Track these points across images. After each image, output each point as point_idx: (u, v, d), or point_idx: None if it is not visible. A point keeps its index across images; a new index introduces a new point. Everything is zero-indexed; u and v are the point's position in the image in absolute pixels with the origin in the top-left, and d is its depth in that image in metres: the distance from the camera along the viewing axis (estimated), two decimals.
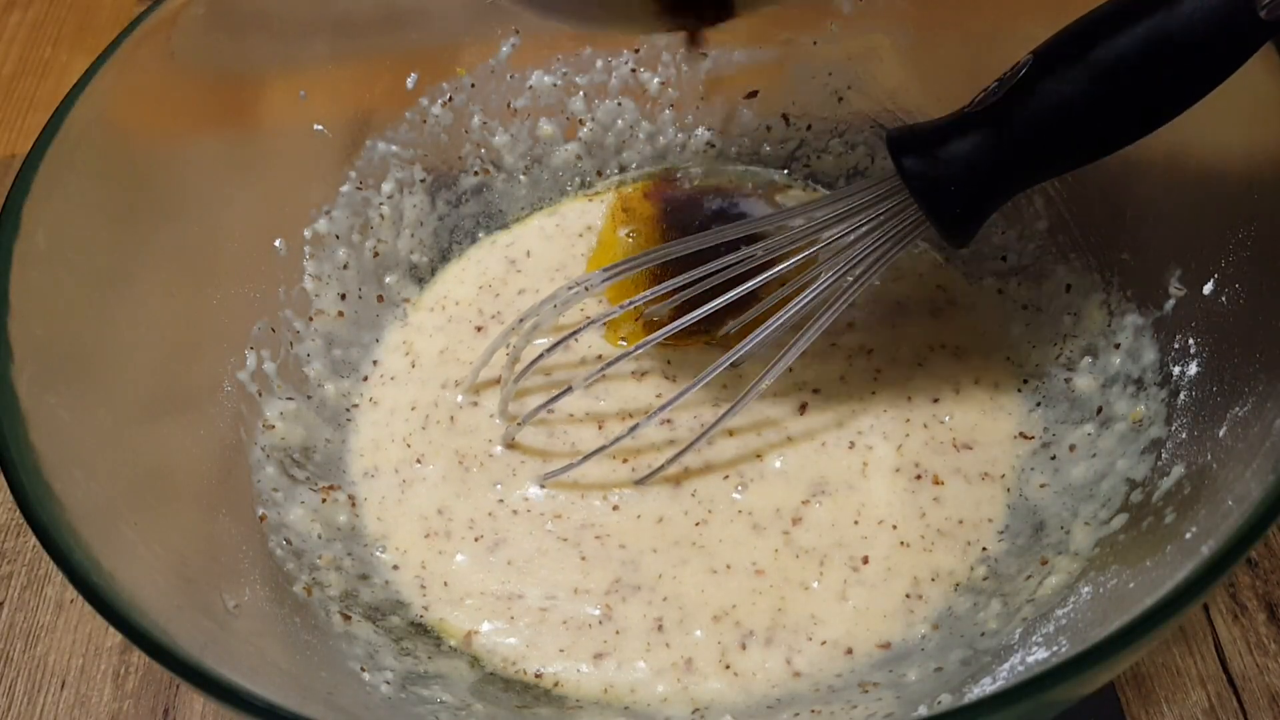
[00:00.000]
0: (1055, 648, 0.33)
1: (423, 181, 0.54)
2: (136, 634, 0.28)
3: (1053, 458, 0.43)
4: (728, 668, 0.40)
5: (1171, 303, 0.40)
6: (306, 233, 0.50)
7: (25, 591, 0.47)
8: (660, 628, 0.41)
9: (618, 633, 0.41)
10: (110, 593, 0.29)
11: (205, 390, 0.44)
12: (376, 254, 0.52)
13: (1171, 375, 0.39)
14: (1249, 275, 0.36)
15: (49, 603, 0.46)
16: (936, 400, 0.46)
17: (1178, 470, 0.36)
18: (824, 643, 0.40)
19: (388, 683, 0.37)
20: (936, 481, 0.44)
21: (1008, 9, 0.49)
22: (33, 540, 0.47)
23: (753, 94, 0.56)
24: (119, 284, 0.40)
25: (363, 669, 0.37)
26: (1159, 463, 0.37)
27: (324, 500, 0.44)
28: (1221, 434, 0.34)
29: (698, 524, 0.43)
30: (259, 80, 0.49)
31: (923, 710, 0.34)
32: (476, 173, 0.55)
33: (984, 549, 0.42)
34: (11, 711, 0.43)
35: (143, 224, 0.42)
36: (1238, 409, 0.34)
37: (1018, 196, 0.47)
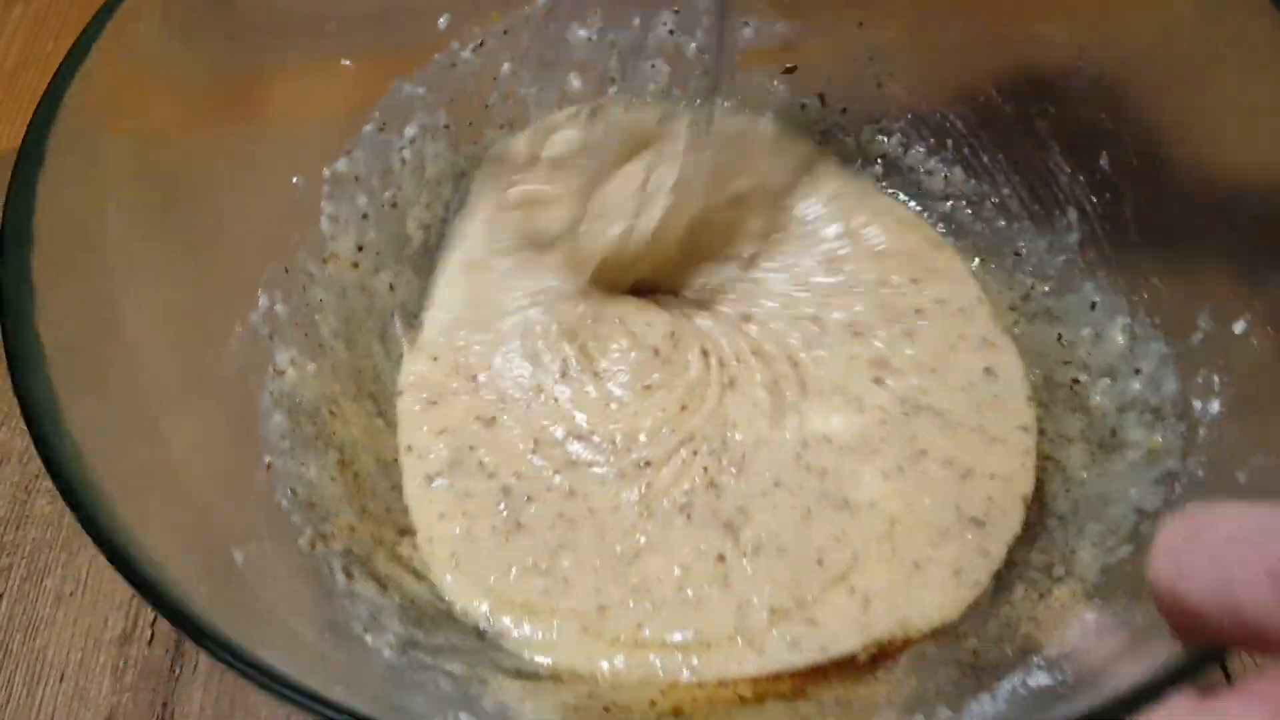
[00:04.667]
0: (1058, 675, 0.33)
1: (446, 128, 0.53)
2: (153, 591, 0.28)
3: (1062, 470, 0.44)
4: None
5: (1199, 336, 0.40)
6: (326, 171, 0.49)
7: (25, 584, 0.46)
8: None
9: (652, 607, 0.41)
10: (125, 544, 0.29)
11: (217, 331, 0.43)
12: (395, 204, 0.51)
13: (1192, 409, 0.39)
14: None
15: (49, 595, 0.46)
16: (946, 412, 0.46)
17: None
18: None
19: (390, 646, 0.37)
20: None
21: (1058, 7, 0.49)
22: (31, 533, 0.48)
23: (791, 69, 0.55)
24: (134, 216, 0.39)
25: (366, 630, 0.37)
26: (1172, 496, 0.37)
27: (340, 462, 0.44)
28: (1242, 480, 0.34)
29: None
30: (287, 9, 0.48)
31: (920, 718, 0.34)
32: (501, 126, 0.54)
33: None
34: (10, 704, 0.43)
35: (158, 163, 0.41)
36: (1260, 457, 0.34)
37: (1049, 206, 0.48)
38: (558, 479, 0.45)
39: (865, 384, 0.47)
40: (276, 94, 0.47)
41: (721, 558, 0.43)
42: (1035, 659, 0.35)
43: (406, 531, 0.44)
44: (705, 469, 0.45)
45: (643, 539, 0.43)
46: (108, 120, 0.38)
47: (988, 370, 0.47)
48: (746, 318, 0.51)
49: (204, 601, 0.29)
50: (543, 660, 0.40)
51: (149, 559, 0.29)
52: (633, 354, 0.49)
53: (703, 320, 0.51)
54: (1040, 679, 0.33)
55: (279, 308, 0.46)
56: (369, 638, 0.37)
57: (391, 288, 0.51)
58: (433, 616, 0.41)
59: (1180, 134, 0.42)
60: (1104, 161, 0.45)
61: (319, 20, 0.48)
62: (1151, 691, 0.25)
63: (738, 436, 0.46)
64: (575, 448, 0.47)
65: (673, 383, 0.48)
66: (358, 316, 0.49)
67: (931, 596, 0.41)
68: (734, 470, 0.45)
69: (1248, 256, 0.39)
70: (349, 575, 0.40)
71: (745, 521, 0.44)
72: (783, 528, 0.43)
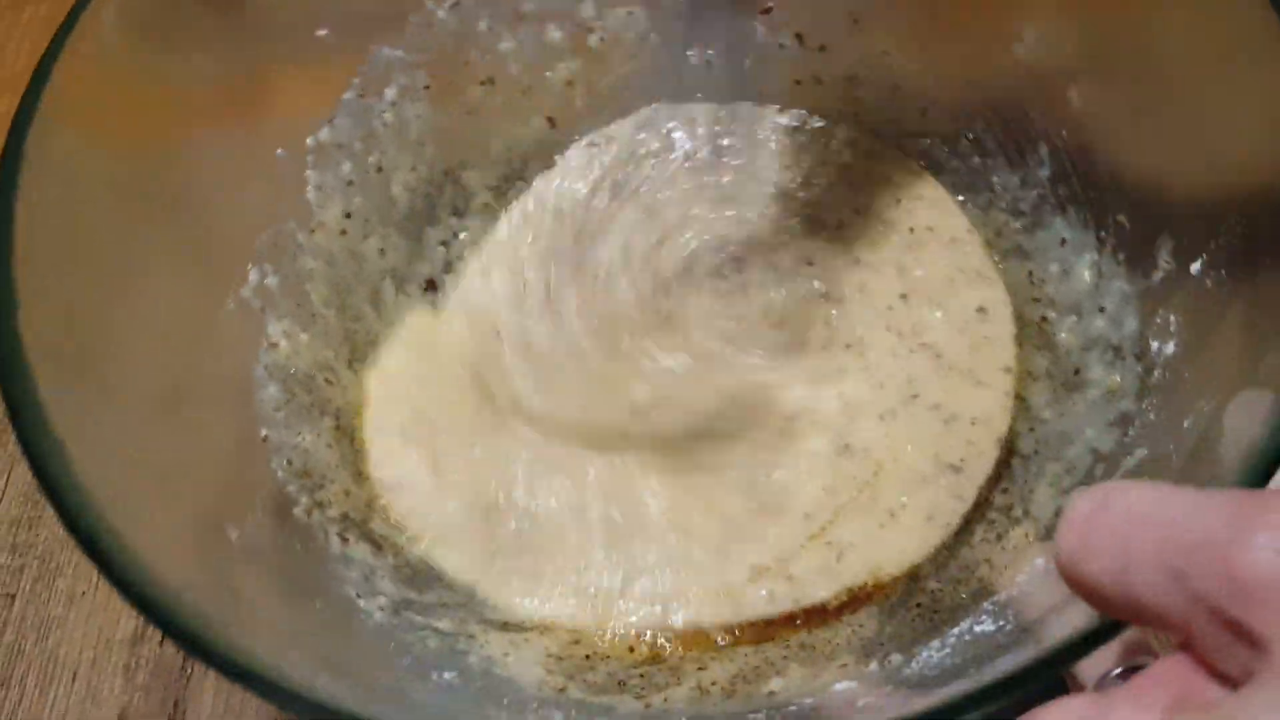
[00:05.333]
0: (1001, 621, 0.35)
1: (427, 88, 0.54)
2: (139, 597, 0.30)
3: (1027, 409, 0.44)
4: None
5: (1159, 275, 0.40)
6: (309, 141, 0.50)
7: (37, 584, 0.48)
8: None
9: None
10: (116, 553, 0.30)
11: (208, 311, 0.45)
12: (380, 168, 0.52)
13: (1149, 349, 0.40)
14: (1236, 263, 0.37)
15: (61, 595, 0.47)
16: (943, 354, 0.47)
17: (1141, 453, 0.37)
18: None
19: (381, 609, 0.40)
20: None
21: None
22: (44, 533, 0.49)
23: (767, 10, 0.54)
24: (124, 203, 0.41)
25: (358, 595, 0.40)
26: (1125, 439, 0.38)
27: (335, 428, 0.46)
28: (1186, 425, 0.35)
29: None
30: None
31: (874, 667, 0.36)
32: (481, 82, 0.55)
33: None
34: (23, 704, 0.44)
35: (138, 158, 0.42)
36: (1204, 402, 0.35)
37: (1022, 141, 0.48)
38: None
39: (894, 298, 0.48)
40: (254, 72, 0.48)
41: (731, 519, 0.43)
42: (985, 604, 0.36)
43: None
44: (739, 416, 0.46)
45: (651, 506, 0.44)
46: (83, 122, 0.39)
47: (980, 309, 0.47)
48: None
49: (196, 593, 0.31)
50: (528, 614, 0.42)
51: (143, 567, 0.30)
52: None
53: None
54: (985, 625, 0.35)
55: (270, 280, 0.47)
56: (361, 601, 0.40)
57: (381, 252, 0.52)
58: (425, 576, 0.43)
59: (1148, 73, 0.42)
60: (1074, 96, 0.45)
61: None
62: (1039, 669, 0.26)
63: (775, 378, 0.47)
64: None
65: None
66: (348, 283, 0.51)
67: (903, 542, 0.42)
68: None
69: (1207, 196, 0.39)
70: (344, 540, 0.42)
71: (772, 469, 0.44)
72: (796, 478, 0.44)
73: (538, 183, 0.55)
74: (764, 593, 0.41)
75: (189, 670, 0.45)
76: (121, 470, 0.34)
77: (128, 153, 0.42)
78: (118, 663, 0.46)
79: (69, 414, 0.33)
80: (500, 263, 0.52)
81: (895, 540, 0.42)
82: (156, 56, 0.44)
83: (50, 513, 0.49)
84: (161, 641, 0.46)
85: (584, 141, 0.55)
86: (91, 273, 0.39)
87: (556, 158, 0.55)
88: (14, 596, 0.48)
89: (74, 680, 0.45)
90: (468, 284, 0.52)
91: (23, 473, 0.52)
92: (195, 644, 0.28)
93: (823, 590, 0.41)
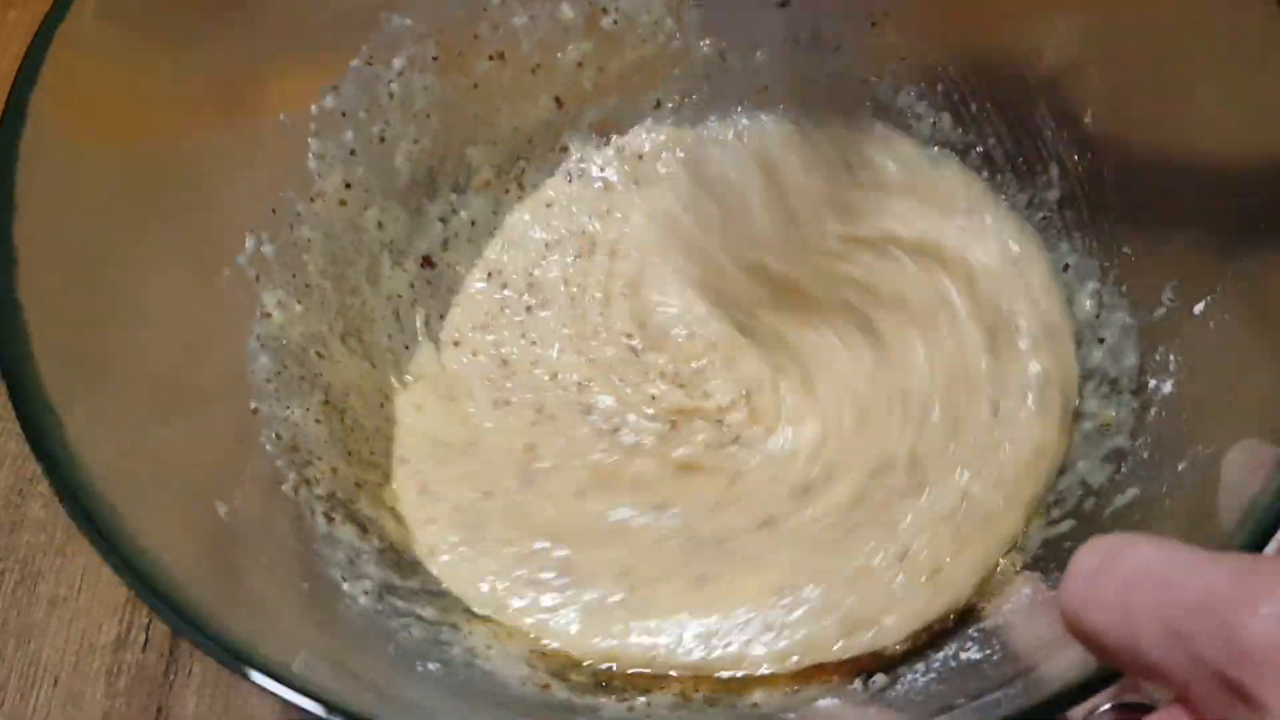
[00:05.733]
0: (988, 650, 0.35)
1: (435, 59, 0.53)
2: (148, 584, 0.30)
3: None
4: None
5: (1161, 311, 0.40)
6: (313, 108, 0.49)
7: (18, 589, 0.47)
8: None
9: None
10: (114, 529, 0.30)
11: (204, 282, 0.44)
12: (383, 139, 0.51)
13: (1146, 386, 0.40)
14: (1240, 309, 0.37)
15: (42, 600, 0.47)
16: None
17: (1133, 492, 0.37)
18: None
19: (366, 593, 0.39)
20: None
21: None
22: (25, 538, 0.48)
23: (785, 3, 0.54)
24: (122, 178, 0.40)
25: (343, 577, 0.40)
26: (1117, 476, 0.39)
27: (325, 404, 0.45)
28: (1181, 468, 0.35)
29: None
30: None
31: (857, 685, 0.37)
32: (491, 57, 0.54)
33: None
34: (4, 708, 0.44)
35: (142, 115, 0.41)
36: (1200, 447, 0.35)
37: (1033, 161, 0.48)
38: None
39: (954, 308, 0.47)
40: (261, 38, 0.46)
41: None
42: (971, 630, 0.37)
43: (391, 475, 0.46)
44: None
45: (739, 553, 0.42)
46: (76, 103, 0.38)
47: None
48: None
49: (188, 570, 0.31)
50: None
51: (140, 546, 0.30)
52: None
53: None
54: (972, 653, 0.35)
55: (266, 248, 0.46)
56: (346, 585, 0.39)
57: (380, 225, 0.52)
58: (410, 562, 0.43)
59: (1165, 103, 0.42)
60: (1089, 119, 0.45)
61: None
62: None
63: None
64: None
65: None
66: (346, 254, 0.50)
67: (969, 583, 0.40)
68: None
69: (1216, 237, 0.39)
70: (330, 519, 0.42)
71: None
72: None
73: (509, 222, 0.55)
74: (840, 644, 0.38)
75: (171, 676, 0.45)
76: (119, 447, 0.34)
77: (124, 131, 0.41)
78: (100, 668, 0.45)
79: (68, 393, 0.32)
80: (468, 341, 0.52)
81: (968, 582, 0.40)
82: (152, 30, 0.43)
83: (31, 517, 0.50)
84: (144, 647, 0.46)
85: (560, 174, 0.55)
86: (90, 248, 0.38)
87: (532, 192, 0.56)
88: None
89: (55, 685, 0.45)
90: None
91: (2, 476, 0.50)
92: (190, 624, 0.28)
93: (894, 636, 0.38)
